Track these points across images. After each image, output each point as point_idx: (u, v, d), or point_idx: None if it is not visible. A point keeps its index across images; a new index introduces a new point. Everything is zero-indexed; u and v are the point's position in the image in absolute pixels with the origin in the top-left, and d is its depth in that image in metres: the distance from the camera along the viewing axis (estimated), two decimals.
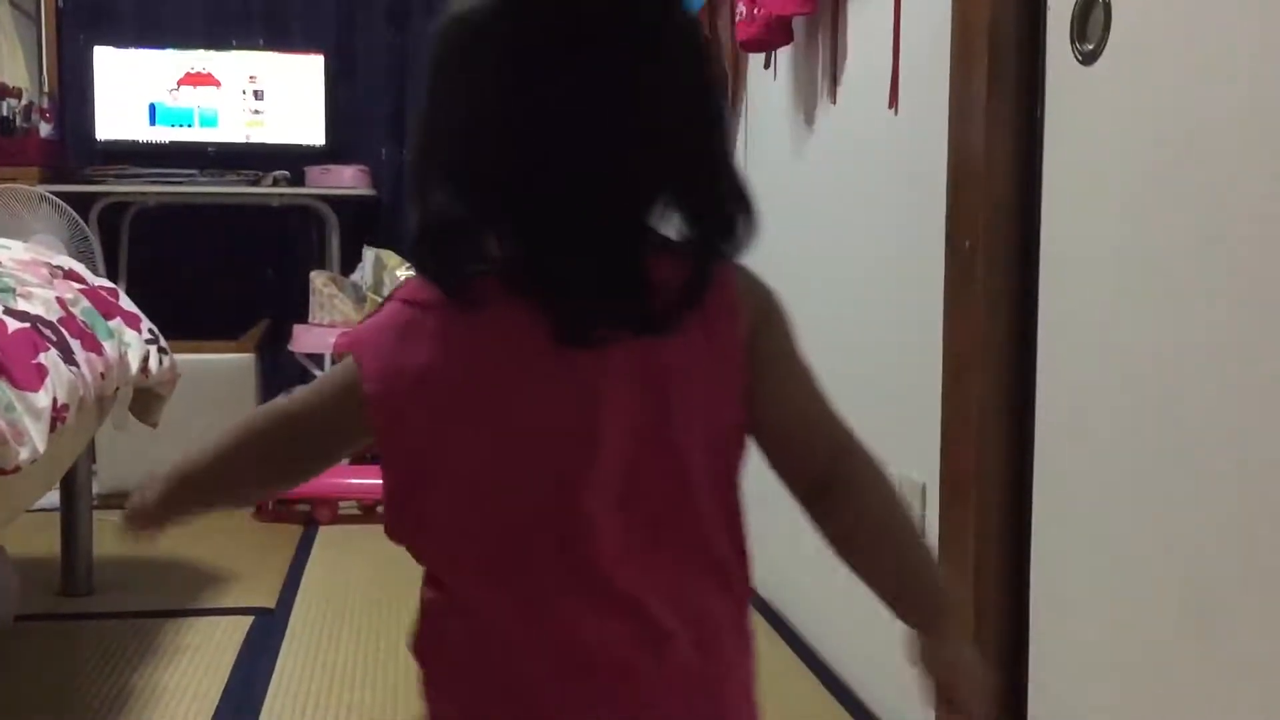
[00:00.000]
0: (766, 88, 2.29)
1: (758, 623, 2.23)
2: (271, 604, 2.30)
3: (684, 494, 0.73)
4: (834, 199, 1.96)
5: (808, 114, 2.06)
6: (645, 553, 0.73)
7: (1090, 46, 1.22)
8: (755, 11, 2.03)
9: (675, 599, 0.73)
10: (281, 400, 0.82)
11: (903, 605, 0.79)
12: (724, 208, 0.74)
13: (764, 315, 0.76)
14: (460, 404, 0.72)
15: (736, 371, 0.74)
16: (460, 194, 0.72)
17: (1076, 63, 1.24)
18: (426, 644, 0.78)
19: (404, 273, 3.23)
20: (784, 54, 2.17)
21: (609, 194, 0.71)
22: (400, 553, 0.77)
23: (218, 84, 3.72)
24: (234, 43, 3.85)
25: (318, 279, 3.38)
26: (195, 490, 0.85)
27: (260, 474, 0.84)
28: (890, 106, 1.69)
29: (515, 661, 0.73)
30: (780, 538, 2.34)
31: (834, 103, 1.93)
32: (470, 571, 0.75)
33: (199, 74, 3.71)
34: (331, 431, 0.79)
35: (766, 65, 2.27)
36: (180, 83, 3.70)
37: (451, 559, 0.76)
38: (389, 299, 0.78)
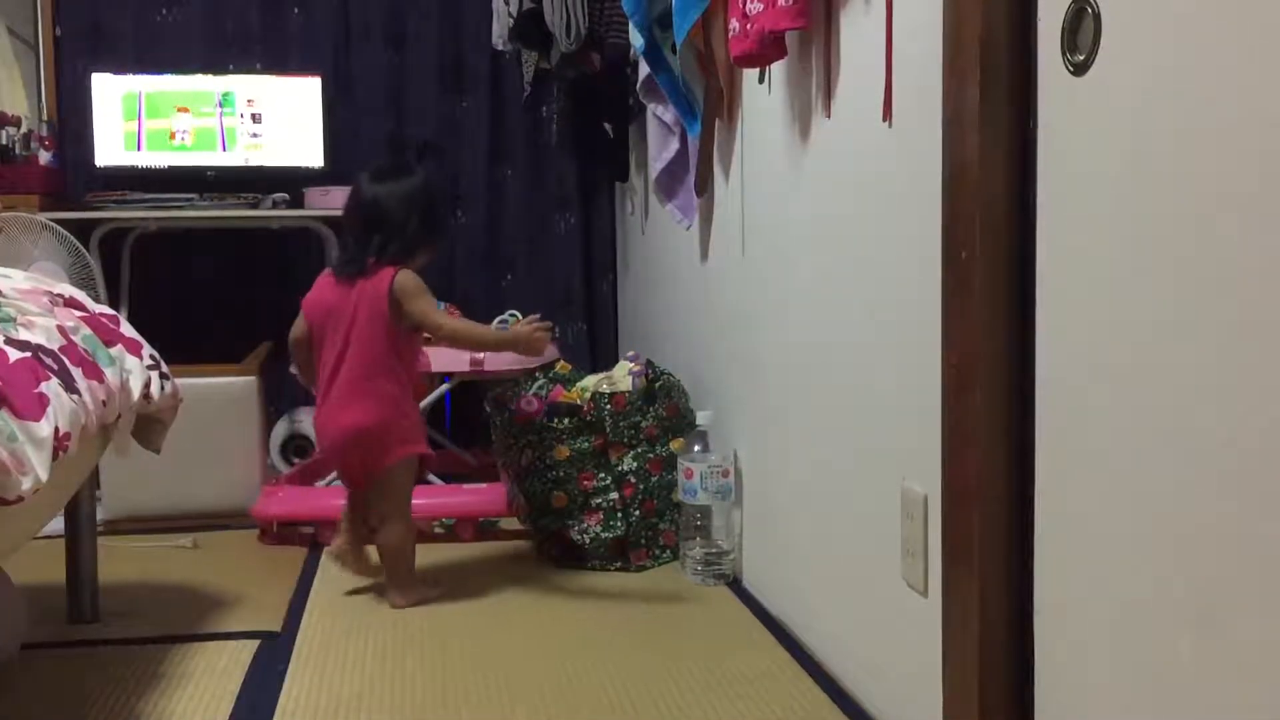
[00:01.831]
0: (761, 103, 2.30)
1: (753, 624, 2.26)
2: (277, 627, 2.30)
3: (372, 337, 2.41)
4: (830, 211, 1.96)
5: (803, 128, 2.07)
6: (358, 359, 2.42)
7: (1081, 57, 1.22)
8: (748, 27, 2.04)
9: (366, 379, 2.42)
10: (297, 330, 2.55)
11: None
12: (396, 247, 2.45)
13: (403, 284, 2.40)
14: (321, 304, 2.48)
15: (384, 297, 2.39)
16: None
17: (1068, 73, 1.25)
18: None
19: None
20: (778, 69, 2.18)
21: (356, 240, 2.50)
22: None
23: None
24: (231, 67, 3.87)
25: None
26: (307, 367, 2.56)
27: (311, 355, 2.51)
28: (884, 119, 1.69)
29: (321, 401, 2.50)
30: (777, 542, 2.34)
31: (828, 116, 1.94)
32: (320, 367, 2.48)
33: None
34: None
35: (761, 80, 2.27)
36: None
37: (320, 364, 2.49)
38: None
